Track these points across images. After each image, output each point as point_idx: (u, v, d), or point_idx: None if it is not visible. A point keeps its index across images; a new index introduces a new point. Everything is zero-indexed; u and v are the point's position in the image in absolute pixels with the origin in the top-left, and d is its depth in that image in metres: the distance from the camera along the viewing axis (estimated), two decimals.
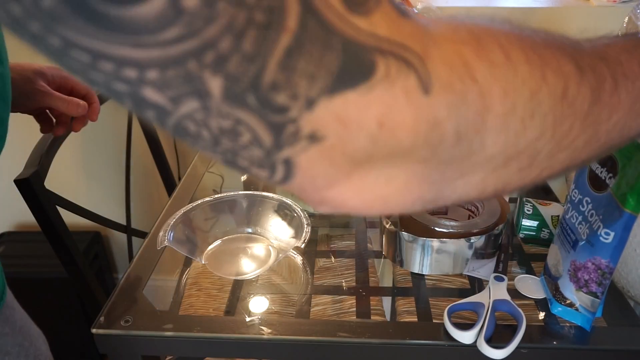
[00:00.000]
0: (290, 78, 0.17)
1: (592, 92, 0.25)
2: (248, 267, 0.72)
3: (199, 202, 0.77)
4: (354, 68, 0.18)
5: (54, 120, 0.71)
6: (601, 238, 0.53)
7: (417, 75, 0.19)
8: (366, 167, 0.21)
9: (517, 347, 0.56)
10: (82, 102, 0.68)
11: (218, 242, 0.77)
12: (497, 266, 0.69)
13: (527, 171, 0.25)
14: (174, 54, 0.16)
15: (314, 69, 0.17)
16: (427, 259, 0.68)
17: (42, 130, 0.71)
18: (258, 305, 0.65)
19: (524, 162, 0.25)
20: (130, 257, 1.42)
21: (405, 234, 0.68)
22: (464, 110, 0.21)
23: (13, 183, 0.75)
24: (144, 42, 0.16)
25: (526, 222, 0.76)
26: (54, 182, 0.86)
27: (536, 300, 0.64)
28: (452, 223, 0.69)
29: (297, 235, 0.71)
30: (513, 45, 0.22)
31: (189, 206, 0.76)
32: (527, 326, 0.57)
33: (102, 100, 0.99)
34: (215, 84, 0.17)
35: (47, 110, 0.70)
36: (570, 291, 0.59)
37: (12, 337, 0.60)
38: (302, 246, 0.68)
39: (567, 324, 0.60)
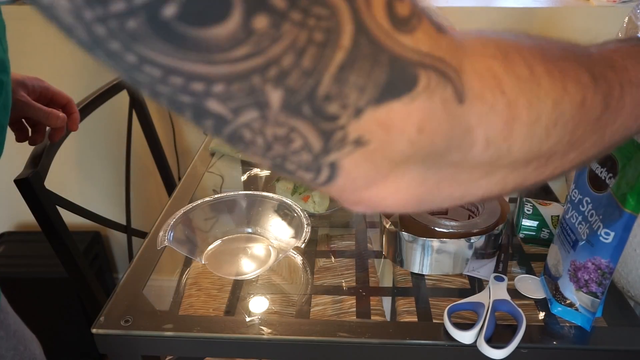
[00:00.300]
0: (342, 90, 0.19)
1: (603, 100, 0.27)
2: (248, 267, 0.72)
3: (199, 202, 0.77)
4: (399, 81, 0.20)
5: (30, 129, 0.71)
6: (601, 238, 0.53)
7: (454, 86, 0.21)
8: (403, 168, 0.23)
9: (517, 347, 0.56)
10: (61, 113, 0.69)
11: (218, 242, 0.77)
12: (497, 266, 0.69)
13: (542, 169, 0.28)
14: (240, 70, 0.17)
15: (364, 81, 0.19)
16: (427, 259, 0.68)
17: (17, 139, 0.71)
18: (258, 305, 0.65)
19: (541, 162, 0.27)
20: (130, 257, 1.42)
21: (405, 234, 0.68)
22: (493, 118, 0.23)
23: (13, 183, 0.75)
24: (215, 59, 0.17)
25: (526, 222, 0.76)
26: (54, 182, 0.86)
27: (536, 300, 0.64)
28: (452, 223, 0.69)
29: (297, 235, 0.71)
30: (536, 59, 0.24)
31: (189, 206, 0.76)
32: (527, 326, 0.57)
33: (101, 102, 1.00)
34: (275, 96, 0.18)
35: (23, 119, 0.70)
36: (570, 291, 0.59)
37: (7, 340, 0.60)
38: (302, 246, 0.68)
39: (567, 324, 0.60)
